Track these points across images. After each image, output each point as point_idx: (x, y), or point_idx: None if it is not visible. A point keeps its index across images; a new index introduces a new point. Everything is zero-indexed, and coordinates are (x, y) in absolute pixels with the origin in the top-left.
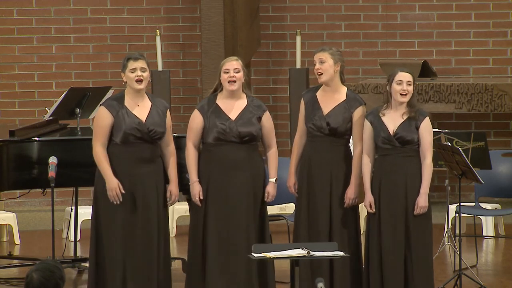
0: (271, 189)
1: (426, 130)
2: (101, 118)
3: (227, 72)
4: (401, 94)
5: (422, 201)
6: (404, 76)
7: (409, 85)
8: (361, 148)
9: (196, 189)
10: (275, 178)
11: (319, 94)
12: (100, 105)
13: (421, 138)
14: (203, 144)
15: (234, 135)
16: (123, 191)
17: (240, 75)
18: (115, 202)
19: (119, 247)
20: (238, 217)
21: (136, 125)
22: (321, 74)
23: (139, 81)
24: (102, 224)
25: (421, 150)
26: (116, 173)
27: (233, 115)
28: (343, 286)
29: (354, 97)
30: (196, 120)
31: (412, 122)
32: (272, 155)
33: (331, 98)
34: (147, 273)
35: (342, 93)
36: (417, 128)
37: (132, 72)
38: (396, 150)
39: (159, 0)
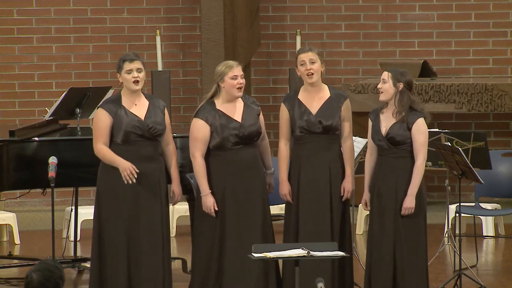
0: (271, 181)
1: (418, 131)
2: (100, 120)
3: (235, 79)
4: (379, 92)
5: (407, 203)
6: (382, 74)
7: (384, 82)
8: (352, 141)
9: (211, 201)
10: (272, 169)
11: (301, 96)
12: (98, 108)
13: (412, 140)
14: (210, 150)
15: (245, 138)
16: (137, 170)
17: (244, 80)
18: (130, 182)
19: (123, 246)
20: (255, 218)
21: (136, 123)
22: (312, 74)
23: (136, 82)
24: (105, 223)
25: (414, 151)
26: (116, 172)
27: (238, 118)
28: (338, 284)
29: (338, 92)
30: (203, 129)
31: (404, 122)
32: (267, 147)
33: (316, 97)
34: (151, 273)
35: (325, 91)
36: (409, 129)
37: (128, 74)
38: (388, 150)
39: (159, 0)
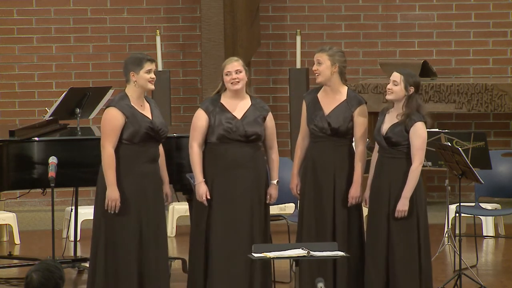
0: (273, 191)
1: (415, 135)
2: (115, 119)
3: (229, 74)
4: (387, 93)
5: (400, 205)
6: (392, 75)
7: (395, 85)
8: (363, 147)
9: (203, 189)
10: (276, 180)
11: (320, 95)
12: (109, 106)
13: (410, 143)
14: (206, 144)
15: (240, 134)
16: (119, 204)
17: (242, 75)
18: (110, 212)
19: (134, 246)
20: (242, 217)
21: (149, 124)
22: (318, 75)
23: (152, 82)
24: (114, 224)
25: (411, 154)
26: (125, 172)
27: (238, 114)
28: (346, 286)
29: (355, 96)
30: (201, 119)
31: (403, 124)
32: (274, 156)
33: (332, 98)
34: (159, 270)
35: (342, 93)
36: (407, 131)
37: (148, 73)
38: (385, 150)
39: (159, 0)
